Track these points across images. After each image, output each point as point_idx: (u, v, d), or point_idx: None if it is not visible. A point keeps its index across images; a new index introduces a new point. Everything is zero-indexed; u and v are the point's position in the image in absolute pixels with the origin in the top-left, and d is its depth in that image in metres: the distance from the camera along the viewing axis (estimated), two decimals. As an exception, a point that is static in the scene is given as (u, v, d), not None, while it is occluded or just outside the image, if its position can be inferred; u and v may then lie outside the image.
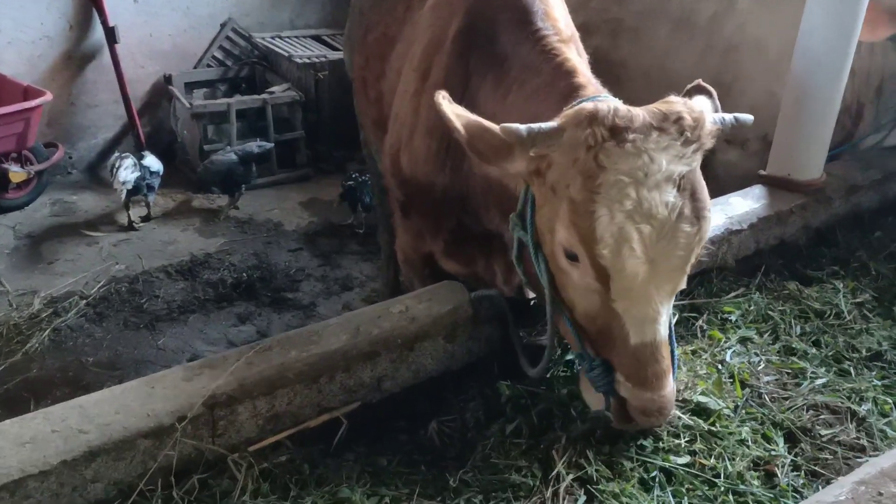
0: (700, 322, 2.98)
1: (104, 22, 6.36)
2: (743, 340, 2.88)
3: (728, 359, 2.76)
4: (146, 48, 6.83)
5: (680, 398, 2.54)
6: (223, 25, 7.11)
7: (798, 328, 2.96)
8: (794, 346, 2.85)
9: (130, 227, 5.94)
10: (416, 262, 3.18)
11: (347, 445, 2.44)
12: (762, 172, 3.55)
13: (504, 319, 2.72)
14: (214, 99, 6.98)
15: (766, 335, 2.92)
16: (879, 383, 2.67)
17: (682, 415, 2.47)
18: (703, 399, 2.53)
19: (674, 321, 2.27)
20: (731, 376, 2.68)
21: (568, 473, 2.27)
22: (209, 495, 2.14)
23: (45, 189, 6.32)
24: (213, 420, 2.17)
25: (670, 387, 2.10)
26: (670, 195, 1.95)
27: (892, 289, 3.21)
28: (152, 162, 6.02)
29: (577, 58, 2.44)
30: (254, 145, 6.38)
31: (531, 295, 2.89)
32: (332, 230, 6.10)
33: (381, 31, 3.49)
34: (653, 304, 2.03)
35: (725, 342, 2.85)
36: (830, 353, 2.85)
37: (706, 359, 2.76)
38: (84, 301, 4.94)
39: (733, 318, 2.99)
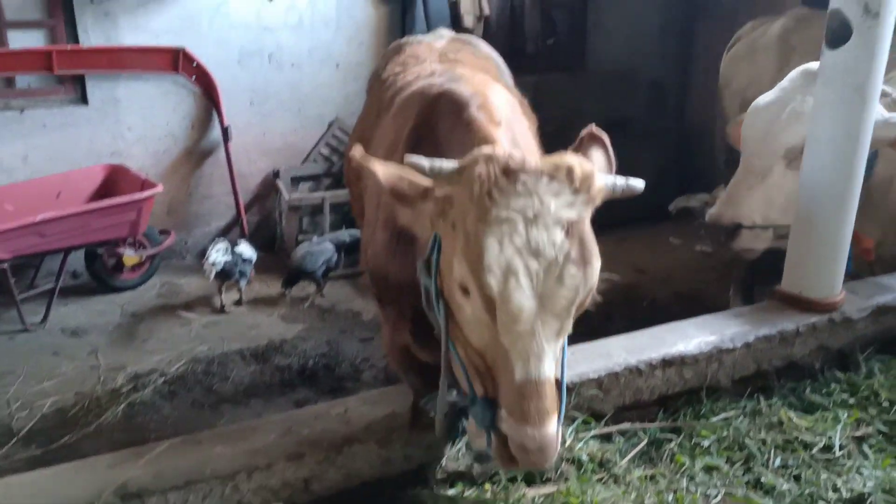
0: (672, 445, 2.83)
1: (221, 122, 7.01)
2: (708, 469, 2.70)
3: (683, 487, 2.60)
4: (259, 145, 7.41)
5: (614, 525, 2.43)
6: (331, 124, 7.60)
7: (778, 460, 2.74)
8: (765, 479, 2.64)
9: (221, 310, 6.35)
10: (396, 354, 3.26)
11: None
12: (777, 287, 3.34)
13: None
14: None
15: (737, 465, 2.72)
16: (840, 531, 2.41)
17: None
18: (634, 530, 2.40)
19: (566, 365, 2.25)
20: (679, 507, 2.52)
21: None
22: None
23: (157, 272, 6.90)
24: (124, 509, 2.29)
25: (552, 426, 2.05)
26: (558, 237, 2.03)
27: (903, 423, 2.89)
28: (245, 249, 6.43)
29: (504, 134, 2.55)
30: (346, 234, 6.69)
31: None
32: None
33: (358, 134, 3.74)
34: (538, 340, 2.05)
35: (686, 469, 2.68)
36: (808, 491, 2.61)
37: (661, 485, 2.61)
38: (162, 379, 5.30)
39: (706, 443, 2.81)
